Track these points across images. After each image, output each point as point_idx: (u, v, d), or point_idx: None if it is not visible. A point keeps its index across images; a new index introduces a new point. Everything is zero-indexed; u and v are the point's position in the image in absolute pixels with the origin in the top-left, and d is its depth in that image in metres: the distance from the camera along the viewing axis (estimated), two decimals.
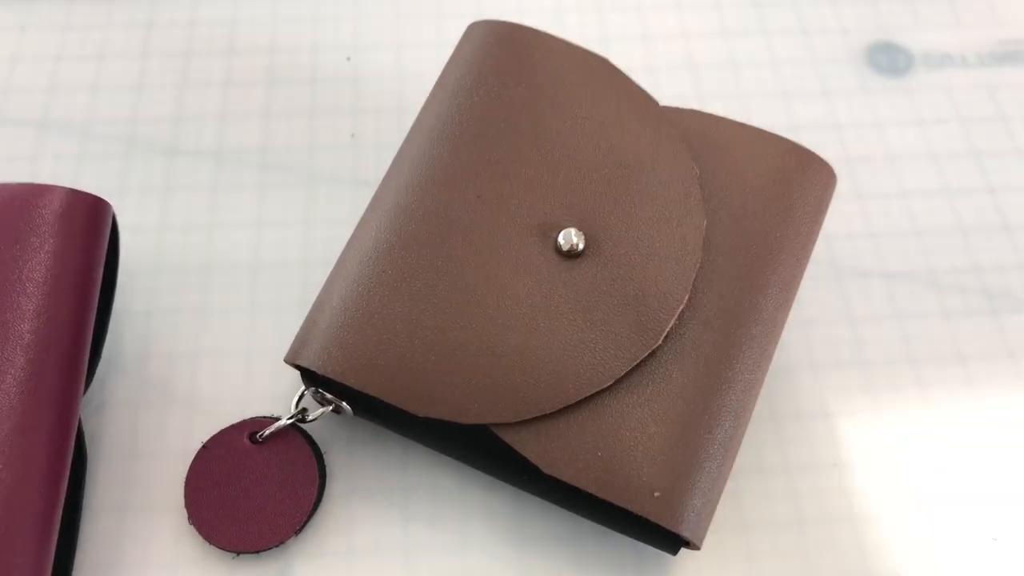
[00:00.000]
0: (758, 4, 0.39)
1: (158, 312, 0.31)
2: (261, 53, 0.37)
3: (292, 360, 0.26)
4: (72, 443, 0.25)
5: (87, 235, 0.27)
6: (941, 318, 0.32)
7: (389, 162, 0.30)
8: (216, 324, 0.31)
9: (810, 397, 0.30)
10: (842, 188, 0.34)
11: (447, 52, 0.35)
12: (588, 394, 0.24)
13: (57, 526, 0.25)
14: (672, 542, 0.25)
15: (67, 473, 0.25)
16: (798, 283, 0.27)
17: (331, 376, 0.25)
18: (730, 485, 0.28)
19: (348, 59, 0.37)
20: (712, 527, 0.27)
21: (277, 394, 0.30)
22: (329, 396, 0.27)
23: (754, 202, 0.27)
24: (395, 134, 0.35)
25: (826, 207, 0.28)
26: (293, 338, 0.27)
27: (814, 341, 0.31)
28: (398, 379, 0.25)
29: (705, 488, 0.24)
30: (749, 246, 0.26)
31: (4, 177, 0.34)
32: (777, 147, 0.28)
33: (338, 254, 0.29)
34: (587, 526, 0.28)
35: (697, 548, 0.25)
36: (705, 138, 0.27)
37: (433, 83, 0.31)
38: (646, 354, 0.25)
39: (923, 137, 0.36)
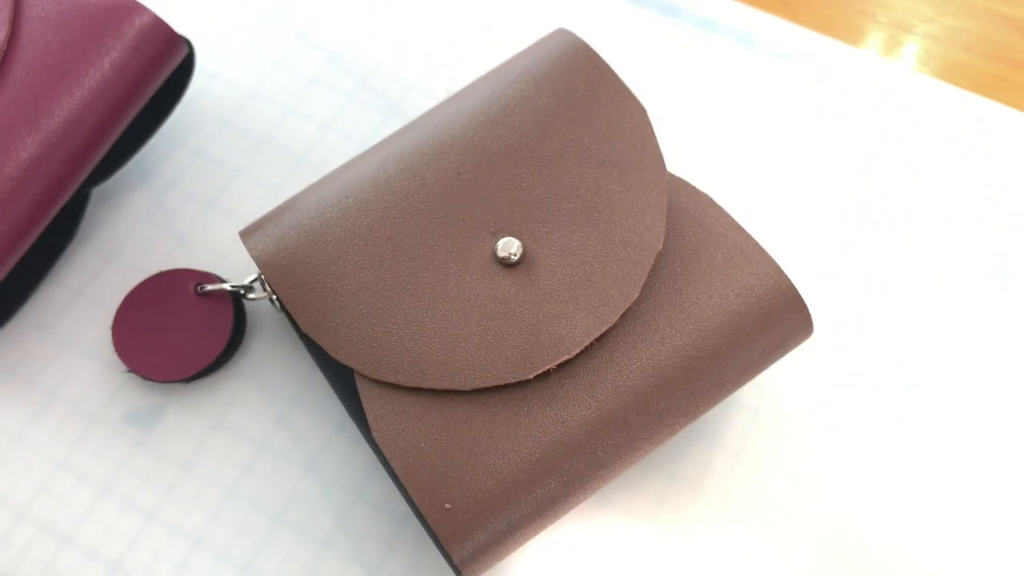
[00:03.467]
0: None
1: (196, 152, 0.34)
2: None
3: (242, 237, 0.28)
4: (53, 209, 0.29)
5: (151, 62, 0.30)
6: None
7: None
8: (239, 188, 0.34)
9: (676, 511, 0.29)
10: None
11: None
12: (443, 388, 0.25)
13: (11, 267, 0.28)
14: (451, 562, 0.25)
15: (36, 229, 0.29)
16: (711, 404, 0.26)
17: (257, 263, 0.27)
18: (543, 556, 0.28)
19: (488, 27, 0.39)
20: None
21: (249, 268, 0.32)
22: (269, 285, 0.29)
23: (706, 305, 0.26)
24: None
25: (783, 352, 0.27)
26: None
27: (708, 464, 0.29)
28: (304, 292, 0.26)
29: (498, 529, 0.24)
30: (677, 343, 0.25)
31: None
32: (762, 267, 0.26)
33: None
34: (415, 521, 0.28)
35: None
36: (697, 223, 0.27)
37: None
38: (512, 382, 0.25)
39: None
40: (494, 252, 0.26)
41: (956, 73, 0.39)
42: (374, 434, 0.25)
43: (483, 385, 0.25)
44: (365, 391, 0.26)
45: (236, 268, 0.32)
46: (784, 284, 0.26)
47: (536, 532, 0.25)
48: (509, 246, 0.26)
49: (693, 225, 0.27)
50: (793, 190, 0.35)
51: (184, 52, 0.31)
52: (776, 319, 0.26)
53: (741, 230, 0.27)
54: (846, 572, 0.28)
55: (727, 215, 0.27)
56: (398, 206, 0.27)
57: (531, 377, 0.25)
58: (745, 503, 0.29)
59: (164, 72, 0.31)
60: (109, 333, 0.31)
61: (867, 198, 0.35)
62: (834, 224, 0.34)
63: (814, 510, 0.29)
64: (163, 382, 0.30)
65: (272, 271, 0.27)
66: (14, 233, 0.28)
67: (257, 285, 0.31)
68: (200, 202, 0.34)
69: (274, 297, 0.29)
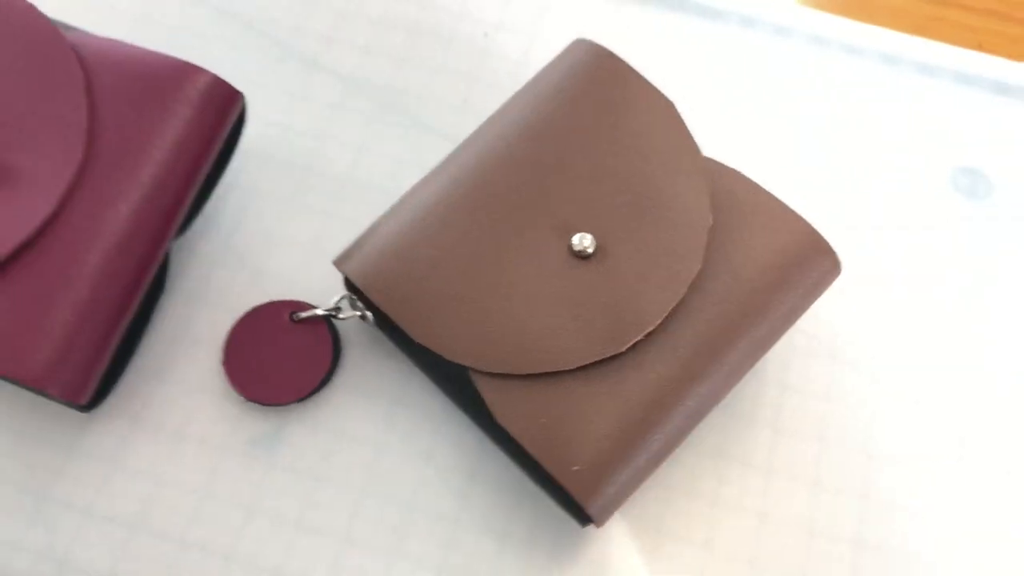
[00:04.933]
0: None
1: (256, 193, 0.37)
2: (412, 3, 0.42)
3: (338, 265, 0.32)
4: (154, 268, 0.32)
5: (216, 118, 0.33)
6: (909, 427, 0.34)
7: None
8: (297, 218, 0.37)
9: (755, 448, 0.34)
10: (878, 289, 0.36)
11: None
12: (551, 370, 0.29)
13: (124, 327, 0.31)
14: (580, 515, 0.30)
15: (142, 289, 0.32)
16: (768, 347, 0.31)
17: (361, 287, 0.31)
18: (654, 494, 0.32)
19: (485, 35, 0.42)
20: (630, 525, 0.32)
21: (324, 290, 0.36)
22: (360, 304, 0.33)
23: (753, 267, 0.30)
24: (492, 107, 0.40)
25: (820, 291, 0.31)
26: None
27: (783, 406, 0.34)
28: (410, 307, 0.30)
29: (622, 480, 0.29)
30: (735, 302, 0.30)
31: (170, 46, 0.40)
32: (793, 225, 0.31)
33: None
34: (528, 487, 0.33)
35: (598, 526, 0.29)
36: (732, 196, 0.31)
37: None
38: (607, 356, 0.29)
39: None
40: (569, 248, 0.30)
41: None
42: (498, 419, 0.29)
43: (584, 363, 0.29)
44: (482, 384, 0.29)
45: (312, 294, 0.36)
46: (814, 236, 0.31)
47: (647, 476, 0.30)
48: (583, 240, 0.30)
49: (730, 198, 0.31)
50: (800, 154, 0.39)
51: (241, 103, 0.34)
52: (811, 266, 0.31)
53: (770, 196, 0.31)
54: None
55: (756, 185, 0.31)
56: (474, 221, 0.31)
57: (623, 350, 0.29)
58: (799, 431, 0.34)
59: (228, 125, 0.34)
60: (217, 370, 0.34)
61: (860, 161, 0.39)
62: (840, 181, 0.39)
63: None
64: (280, 405, 0.33)
65: (377, 293, 0.30)
66: (126, 294, 0.31)
67: (344, 306, 0.34)
68: (263, 238, 0.37)
69: (366, 314, 0.33)
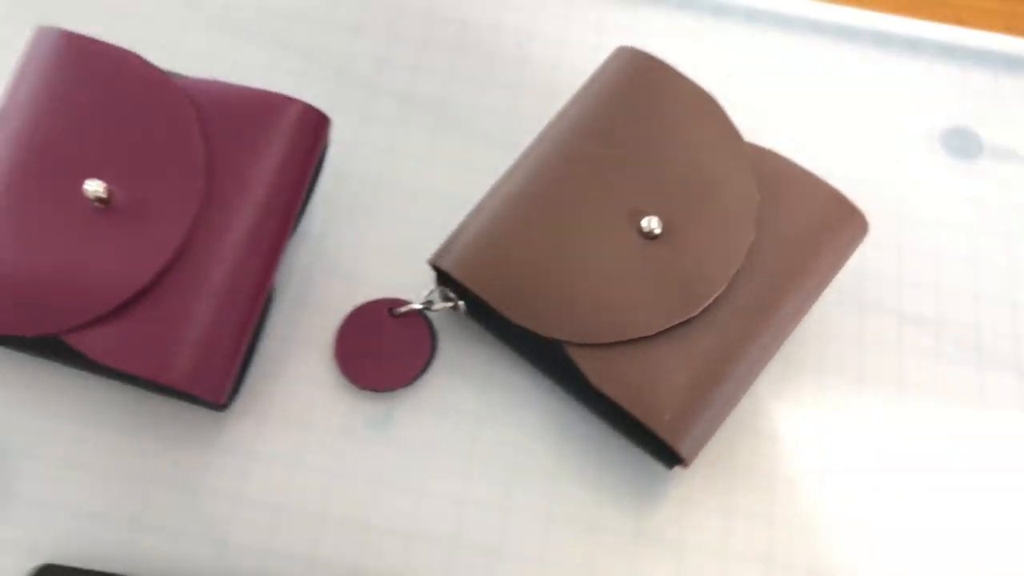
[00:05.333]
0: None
1: (338, 207, 0.42)
2: (451, 24, 0.47)
3: (434, 262, 0.36)
4: (271, 280, 0.36)
5: (310, 142, 0.37)
6: (932, 359, 0.40)
7: (528, 134, 0.41)
8: (377, 225, 0.41)
9: (803, 388, 0.39)
10: (890, 238, 0.41)
11: (593, 58, 0.44)
12: (636, 336, 0.34)
13: (251, 334, 0.36)
14: (670, 458, 0.34)
15: (263, 300, 0.36)
16: (812, 301, 0.36)
17: (460, 279, 0.35)
18: (725, 435, 0.37)
19: (519, 45, 0.46)
20: (706, 466, 0.36)
21: (411, 287, 0.40)
22: (451, 295, 0.37)
23: (795, 232, 0.35)
24: (538, 111, 0.44)
25: (852, 249, 0.36)
26: (437, 247, 0.37)
27: (821, 352, 0.39)
28: (505, 293, 0.35)
29: (703, 423, 0.33)
30: (783, 265, 0.35)
31: (254, 81, 0.44)
32: (824, 193, 0.36)
33: (478, 195, 0.39)
34: (614, 439, 0.37)
35: (686, 466, 0.34)
36: (772, 173, 0.36)
37: (579, 83, 0.40)
38: (683, 319, 0.34)
39: (972, 213, 0.43)
40: (640, 230, 0.35)
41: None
42: (594, 383, 0.34)
43: (663, 328, 0.34)
44: (576, 354, 0.34)
45: (401, 291, 0.40)
46: (844, 202, 0.36)
47: (723, 419, 0.34)
48: (651, 223, 0.35)
49: (769, 174, 0.36)
50: (808, 130, 0.44)
51: (330, 126, 0.38)
52: (843, 228, 0.36)
53: (803, 170, 0.36)
54: None
55: (790, 161, 0.36)
56: (552, 212, 0.35)
57: (696, 313, 0.34)
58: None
59: (321, 147, 0.38)
60: (329, 364, 0.38)
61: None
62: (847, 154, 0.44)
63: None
64: (390, 391, 0.37)
65: (474, 283, 0.35)
66: (250, 305, 0.35)
67: (434, 298, 0.39)
68: (350, 246, 0.41)
69: (458, 304, 0.37)
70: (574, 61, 0.46)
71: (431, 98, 0.45)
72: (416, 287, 0.40)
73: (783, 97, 0.45)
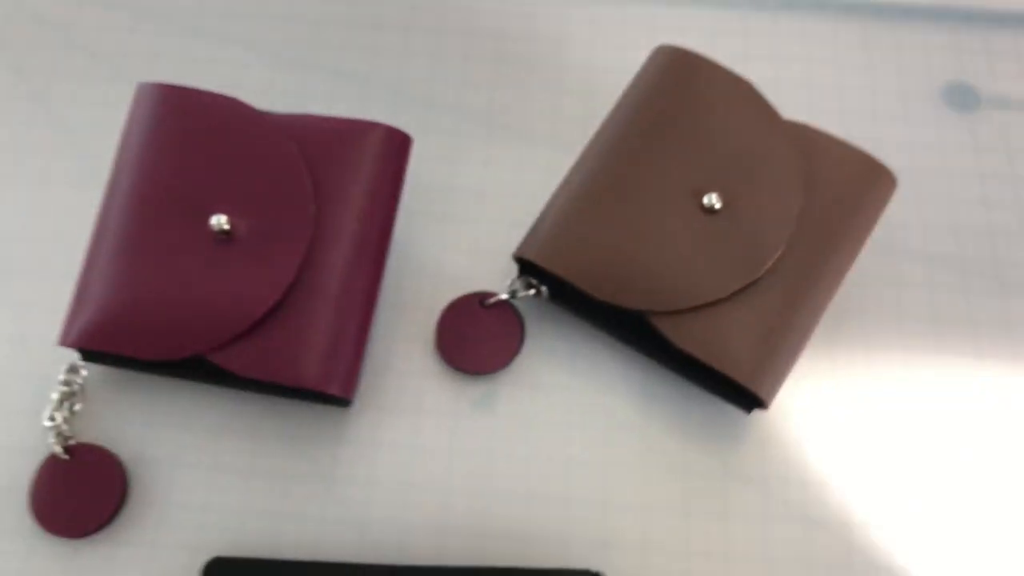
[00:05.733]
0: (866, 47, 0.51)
1: (415, 213, 0.46)
2: (488, 37, 0.51)
3: (520, 254, 0.41)
4: (380, 287, 0.41)
5: (398, 159, 0.41)
6: (960, 293, 0.45)
7: (572, 131, 0.45)
8: (454, 228, 0.46)
9: (852, 332, 0.43)
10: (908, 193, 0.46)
11: (635, 60, 0.49)
12: (710, 300, 0.38)
13: (368, 335, 0.40)
14: (749, 403, 0.39)
15: (375, 303, 0.40)
16: (856, 254, 0.40)
17: (547, 267, 0.40)
18: (792, 381, 0.42)
19: (555, 51, 0.51)
20: (779, 409, 0.41)
21: (492, 281, 0.44)
22: (533, 282, 0.42)
23: (836, 194, 0.40)
24: (578, 110, 0.49)
25: (885, 203, 0.41)
26: (504, 242, 0.42)
27: (861, 295, 0.44)
28: (590, 274, 0.39)
29: (777, 370, 0.38)
30: (829, 224, 0.40)
31: (319, 108, 0.48)
32: (856, 157, 0.40)
33: (534, 191, 0.44)
34: (694, 393, 0.42)
35: (766, 408, 0.39)
36: (808, 144, 0.41)
37: (612, 80, 0.45)
38: (749, 281, 0.38)
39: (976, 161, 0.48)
40: (702, 206, 0.40)
41: None
42: (678, 345, 0.38)
43: (733, 291, 0.38)
44: (658, 322, 0.39)
45: (482, 283, 0.44)
46: (874, 163, 0.41)
47: (792, 365, 0.39)
48: (712, 199, 0.39)
49: (807, 145, 0.41)
50: (818, 96, 0.49)
51: (411, 142, 0.42)
52: (877, 187, 0.41)
53: (835, 138, 0.41)
54: None
55: (823, 131, 0.41)
56: (621, 198, 0.40)
57: (761, 274, 0.38)
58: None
59: (407, 163, 0.42)
60: (431, 355, 0.43)
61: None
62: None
63: None
64: (489, 374, 0.42)
65: (560, 268, 0.39)
66: (366, 308, 0.40)
67: (518, 287, 0.43)
68: (431, 248, 0.45)
69: (541, 289, 0.42)
70: (606, 61, 0.50)
71: (480, 108, 0.49)
72: (493, 280, 0.45)
73: (796, 74, 0.50)
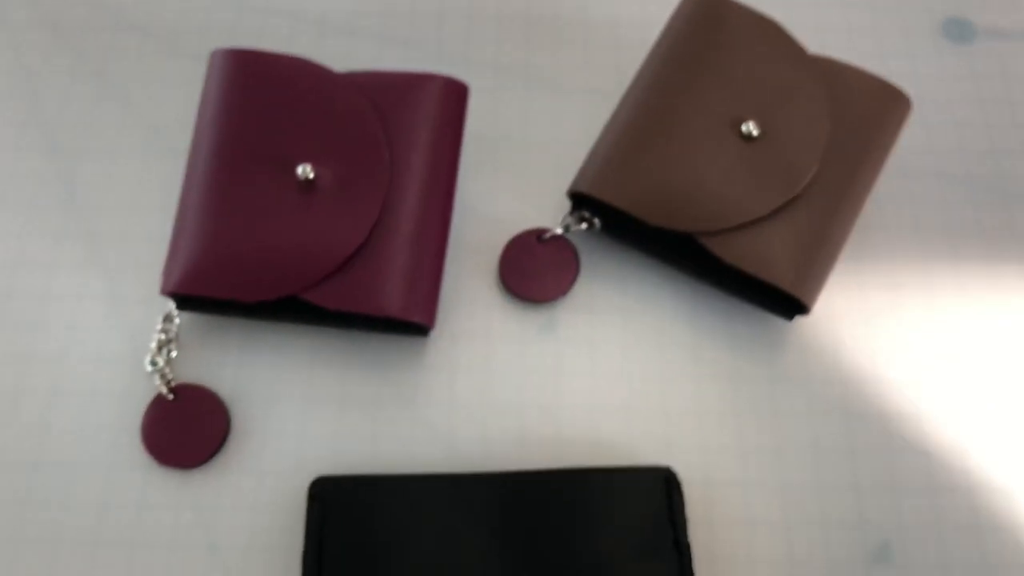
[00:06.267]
0: None
1: (471, 163, 0.50)
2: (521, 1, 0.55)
3: (575, 188, 0.45)
4: (450, 226, 0.44)
5: (459, 105, 0.45)
6: (970, 206, 0.49)
7: (603, 80, 0.49)
8: (499, 173, 0.50)
9: (877, 243, 0.48)
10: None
11: (655, 14, 0.53)
12: (753, 219, 0.42)
13: (443, 268, 0.44)
14: (791, 310, 0.44)
15: (447, 238, 0.44)
16: (879, 171, 0.45)
17: (601, 198, 0.44)
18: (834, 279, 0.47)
19: (579, 8, 0.55)
20: (817, 318, 0.46)
21: (541, 217, 0.48)
22: (586, 215, 0.46)
23: (859, 116, 0.44)
24: (606, 61, 0.52)
25: (903, 125, 0.45)
26: (549, 183, 0.46)
27: (882, 212, 0.49)
28: (642, 201, 0.43)
29: (817, 276, 0.42)
30: (855, 144, 0.44)
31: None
32: (875, 83, 0.45)
33: (572, 136, 0.48)
34: (736, 307, 0.46)
35: (807, 313, 0.43)
36: (831, 74, 0.45)
37: (658, 31, 0.49)
38: (789, 198, 0.42)
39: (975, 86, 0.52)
40: (741, 134, 0.44)
41: None
42: (728, 261, 0.42)
43: (774, 208, 0.42)
44: (707, 242, 0.43)
45: (535, 221, 0.48)
46: (891, 88, 0.45)
47: (829, 273, 0.43)
48: (750, 127, 0.43)
49: (830, 75, 0.45)
50: (823, 32, 0.53)
51: (469, 90, 0.46)
52: (895, 108, 0.45)
53: (855, 67, 0.45)
54: None
55: (844, 63, 0.45)
56: (667, 131, 0.44)
57: (799, 192, 0.43)
58: None
59: (465, 110, 0.46)
60: (495, 287, 0.47)
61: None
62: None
63: None
64: (550, 302, 0.46)
65: (614, 197, 0.43)
66: (440, 244, 0.43)
67: (571, 222, 0.47)
68: (484, 193, 0.49)
69: (594, 222, 0.46)
70: (630, 15, 0.54)
71: (515, 64, 0.53)
72: (543, 219, 0.48)
73: (808, 17, 0.54)
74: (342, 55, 0.53)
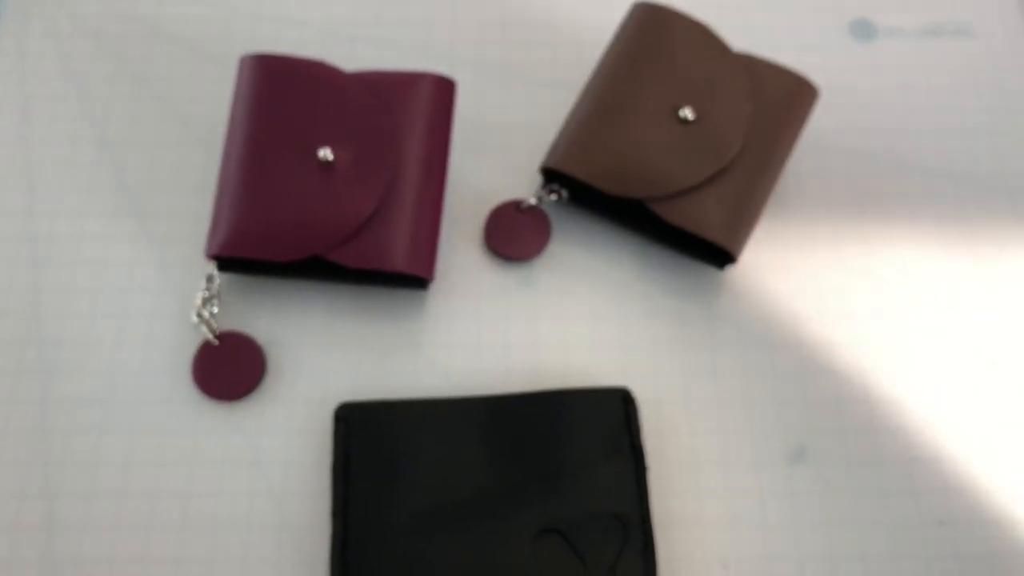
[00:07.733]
0: None
1: (459, 147, 0.59)
2: (496, 5, 0.64)
3: (546, 165, 0.54)
4: (444, 194, 0.54)
5: (449, 99, 0.54)
6: (873, 178, 0.59)
7: (570, 74, 0.59)
8: (483, 152, 0.59)
9: (792, 208, 0.58)
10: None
11: (610, 18, 0.63)
12: (690, 186, 0.52)
13: (439, 233, 0.53)
14: (723, 261, 0.54)
15: (442, 208, 0.53)
16: (792, 147, 0.55)
17: (568, 172, 0.53)
18: (753, 244, 0.57)
19: (547, 9, 0.64)
20: (744, 268, 0.56)
21: (520, 190, 0.58)
22: (556, 187, 0.56)
23: (774, 103, 0.54)
24: (573, 58, 0.62)
25: (811, 109, 0.56)
26: (527, 161, 0.56)
27: (799, 181, 0.59)
28: (601, 174, 0.53)
29: (743, 232, 0.52)
30: (772, 124, 0.54)
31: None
32: (789, 76, 0.55)
33: (545, 122, 0.57)
34: (683, 262, 0.56)
35: (735, 262, 0.53)
36: (753, 68, 0.55)
37: (610, 34, 0.58)
38: (719, 169, 0.52)
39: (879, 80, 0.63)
40: (679, 118, 0.54)
41: None
42: (671, 221, 0.52)
43: (706, 177, 0.52)
44: (654, 206, 0.53)
45: (514, 193, 0.58)
46: (801, 78, 0.55)
47: (753, 228, 0.53)
48: (687, 112, 0.53)
49: (751, 68, 0.55)
50: (742, 31, 0.63)
51: (457, 87, 0.56)
52: (804, 95, 0.55)
53: (772, 63, 0.55)
54: None
55: (763, 59, 0.55)
56: (619, 116, 0.53)
57: (726, 164, 0.53)
58: None
59: (454, 102, 0.55)
60: (480, 248, 0.56)
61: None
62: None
63: None
64: (528, 259, 0.56)
65: (577, 171, 0.53)
66: (437, 200, 0.53)
67: (542, 194, 0.57)
68: (470, 170, 0.59)
69: (562, 193, 0.56)
70: (590, 19, 0.64)
71: (494, 61, 0.62)
72: (521, 191, 0.58)
73: (737, 21, 0.64)
74: (345, 57, 0.62)
